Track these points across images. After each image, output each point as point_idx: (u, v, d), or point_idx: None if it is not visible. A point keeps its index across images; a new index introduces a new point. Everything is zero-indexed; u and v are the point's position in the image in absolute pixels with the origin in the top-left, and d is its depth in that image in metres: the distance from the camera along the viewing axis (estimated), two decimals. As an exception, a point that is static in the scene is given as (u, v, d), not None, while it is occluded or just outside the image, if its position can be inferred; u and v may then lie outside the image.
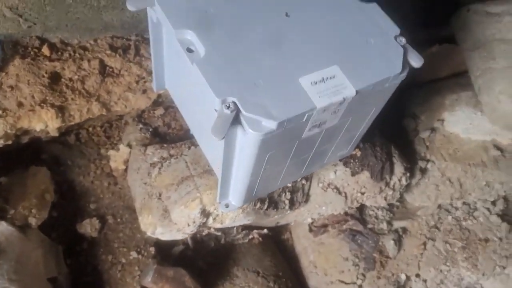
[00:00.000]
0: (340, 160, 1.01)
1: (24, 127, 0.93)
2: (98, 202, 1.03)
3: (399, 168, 1.08)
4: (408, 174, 1.10)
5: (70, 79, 0.98)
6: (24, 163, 1.00)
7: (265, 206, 0.95)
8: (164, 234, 0.91)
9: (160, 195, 0.93)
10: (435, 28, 1.27)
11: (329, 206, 1.06)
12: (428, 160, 1.18)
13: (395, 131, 1.20)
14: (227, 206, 0.86)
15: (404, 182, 1.10)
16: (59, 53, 1.00)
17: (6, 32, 0.96)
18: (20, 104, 0.93)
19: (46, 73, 0.96)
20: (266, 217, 0.99)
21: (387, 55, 0.71)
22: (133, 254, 1.00)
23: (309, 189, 1.03)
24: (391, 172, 1.08)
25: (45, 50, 0.98)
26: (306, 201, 1.03)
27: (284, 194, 0.99)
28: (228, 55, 0.66)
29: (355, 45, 0.71)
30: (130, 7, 0.72)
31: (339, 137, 0.82)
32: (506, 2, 1.14)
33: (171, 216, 0.91)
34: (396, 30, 0.74)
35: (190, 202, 0.89)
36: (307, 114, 0.65)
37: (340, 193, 1.05)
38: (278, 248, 1.18)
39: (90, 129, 1.10)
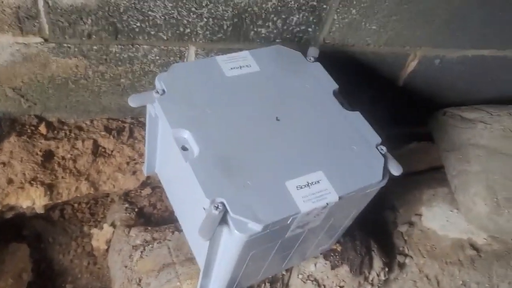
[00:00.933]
0: (321, 253, 1.03)
1: (10, 203, 0.94)
2: (75, 283, 1.02)
3: (378, 262, 1.10)
4: (386, 269, 1.12)
5: (63, 158, 1.01)
6: (5, 238, 0.99)
7: (245, 297, 0.95)
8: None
9: (140, 280, 0.92)
10: (413, 126, 1.35)
11: (308, 298, 1.06)
12: (406, 255, 1.20)
13: (375, 222, 1.24)
14: (207, 295, 0.86)
15: (382, 277, 1.11)
16: (55, 131, 1.03)
17: (5, 110, 1.00)
18: (10, 181, 0.94)
19: (40, 151, 0.99)
20: (245, 307, 0.98)
21: (369, 162, 0.76)
22: None
23: (288, 280, 1.04)
24: (370, 266, 1.09)
25: (42, 128, 1.02)
26: (286, 292, 1.03)
27: (264, 284, 0.99)
28: (220, 156, 0.70)
29: (340, 152, 0.76)
30: (132, 104, 0.76)
31: (321, 234, 0.85)
32: (478, 110, 1.24)
33: (149, 303, 0.90)
34: (378, 139, 0.80)
35: (169, 291, 0.89)
36: (291, 218, 0.68)
37: (319, 285, 1.05)
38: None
39: (76, 205, 1.11)
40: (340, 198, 0.70)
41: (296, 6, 0.94)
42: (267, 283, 0.99)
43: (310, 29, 1.00)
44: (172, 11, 0.88)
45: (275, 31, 0.98)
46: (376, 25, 1.03)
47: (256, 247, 0.71)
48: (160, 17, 0.89)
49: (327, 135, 0.78)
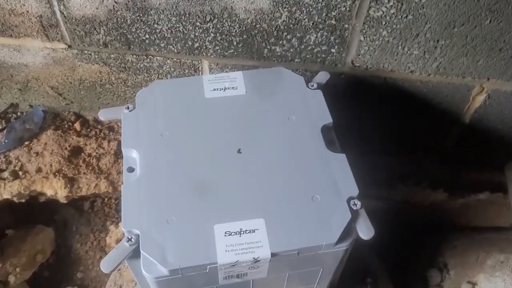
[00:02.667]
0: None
1: (37, 190, 1.04)
2: (85, 273, 1.08)
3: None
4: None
5: (89, 155, 1.08)
6: (36, 220, 1.10)
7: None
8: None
9: (121, 287, 0.94)
10: (487, 171, 1.10)
11: None
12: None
13: (413, 281, 1.05)
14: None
15: None
16: (89, 129, 1.11)
17: (49, 105, 1.10)
18: (38, 170, 1.04)
19: (69, 146, 1.07)
20: None
21: (328, 219, 0.64)
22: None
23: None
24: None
25: (77, 125, 1.10)
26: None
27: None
28: (157, 185, 0.67)
29: (297, 200, 0.66)
30: (101, 117, 0.77)
31: (289, 285, 0.75)
32: None
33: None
34: (354, 191, 0.66)
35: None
36: (208, 267, 0.61)
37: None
38: None
39: (106, 199, 1.18)
40: (273, 255, 0.61)
41: (311, 24, 0.83)
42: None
43: (333, 50, 0.88)
44: (177, 25, 0.86)
45: (291, 50, 0.89)
46: (418, 49, 0.86)
47: (179, 288, 0.66)
48: (167, 30, 0.88)
49: (290, 177, 0.68)
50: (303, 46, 0.88)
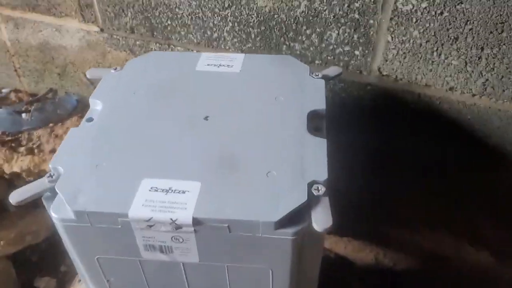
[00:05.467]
0: None
1: (45, 170, 1.03)
2: (69, 267, 1.01)
3: None
4: None
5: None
6: (43, 206, 1.08)
7: None
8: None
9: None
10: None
11: None
12: None
13: None
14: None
15: None
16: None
17: (82, 94, 1.13)
18: (52, 151, 1.04)
19: (88, 134, 1.07)
20: None
21: (277, 196, 0.50)
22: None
23: None
24: None
25: (103, 117, 1.10)
26: None
27: None
28: (105, 134, 0.60)
29: (248, 172, 0.54)
30: (89, 75, 0.74)
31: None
32: None
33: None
34: (322, 175, 0.53)
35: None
36: (119, 219, 0.50)
37: None
38: None
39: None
40: (196, 222, 0.49)
41: (332, 17, 0.75)
42: None
43: (357, 52, 0.78)
44: (197, 10, 0.84)
45: (311, 48, 0.80)
46: (457, 59, 0.72)
47: (94, 249, 0.55)
48: (187, 16, 0.86)
49: (249, 150, 0.57)
50: (323, 45, 0.79)
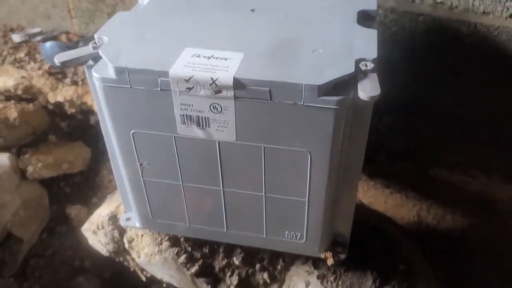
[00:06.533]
0: (316, 268, 0.68)
1: (87, 103, 1.05)
2: (100, 199, 1.02)
3: None
4: None
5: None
6: (83, 139, 1.10)
7: (195, 269, 0.72)
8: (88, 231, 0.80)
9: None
10: None
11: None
12: None
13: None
14: (128, 219, 0.70)
15: None
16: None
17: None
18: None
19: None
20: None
21: (322, 67, 0.48)
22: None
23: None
24: None
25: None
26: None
27: (231, 274, 0.73)
28: (157, 13, 0.61)
29: (293, 49, 0.52)
30: None
31: (265, 190, 0.57)
32: None
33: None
34: (371, 54, 0.50)
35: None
36: (160, 79, 0.49)
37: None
38: None
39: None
40: (237, 83, 0.47)
41: None
42: (235, 275, 0.73)
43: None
44: None
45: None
46: (520, -20, 0.68)
47: (131, 121, 0.55)
48: None
49: (296, 32, 0.55)
50: (376, -31, 0.77)
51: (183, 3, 0.63)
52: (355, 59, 0.49)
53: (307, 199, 0.57)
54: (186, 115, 0.52)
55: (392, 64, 0.72)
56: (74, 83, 1.07)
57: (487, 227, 0.83)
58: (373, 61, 0.50)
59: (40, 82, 1.04)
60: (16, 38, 1.21)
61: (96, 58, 0.54)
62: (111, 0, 1.11)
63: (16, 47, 1.20)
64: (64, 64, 0.54)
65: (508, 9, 0.71)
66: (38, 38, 1.20)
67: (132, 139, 0.57)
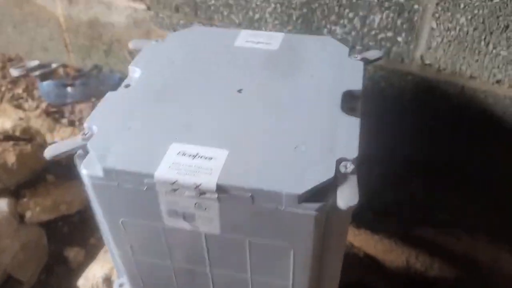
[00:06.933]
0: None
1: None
2: (98, 240, 1.04)
3: None
4: None
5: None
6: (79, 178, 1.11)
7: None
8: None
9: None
10: None
11: None
12: None
13: None
14: (121, 285, 0.73)
15: None
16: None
17: (126, 72, 1.15)
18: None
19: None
20: None
21: (303, 170, 0.50)
22: None
23: None
24: None
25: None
26: None
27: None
28: (141, 99, 0.61)
29: (276, 145, 0.53)
30: (131, 46, 0.76)
31: (250, 273, 0.59)
32: None
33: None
34: (352, 153, 0.52)
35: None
36: (145, 180, 0.51)
37: None
38: None
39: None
40: (220, 188, 0.49)
41: (376, 0, 0.73)
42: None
43: (399, 39, 0.76)
44: (241, -10, 0.84)
45: (353, 33, 0.79)
46: (507, 50, 0.69)
47: (120, 211, 0.56)
48: (231, -5, 0.86)
49: (279, 123, 0.57)
50: (365, 30, 0.77)
51: (171, 82, 0.64)
52: (336, 159, 0.51)
53: (291, 284, 0.59)
54: (172, 210, 0.54)
55: (379, 118, 0.73)
56: (71, 123, 1.08)
57: (474, 280, 0.86)
58: (353, 161, 0.51)
59: (38, 123, 1.06)
60: (14, 72, 1.22)
61: (85, 148, 0.56)
62: (107, 38, 1.11)
63: (15, 81, 1.21)
64: (54, 158, 0.56)
65: (494, 75, 0.72)
66: (36, 73, 1.21)
67: (122, 226, 0.59)
